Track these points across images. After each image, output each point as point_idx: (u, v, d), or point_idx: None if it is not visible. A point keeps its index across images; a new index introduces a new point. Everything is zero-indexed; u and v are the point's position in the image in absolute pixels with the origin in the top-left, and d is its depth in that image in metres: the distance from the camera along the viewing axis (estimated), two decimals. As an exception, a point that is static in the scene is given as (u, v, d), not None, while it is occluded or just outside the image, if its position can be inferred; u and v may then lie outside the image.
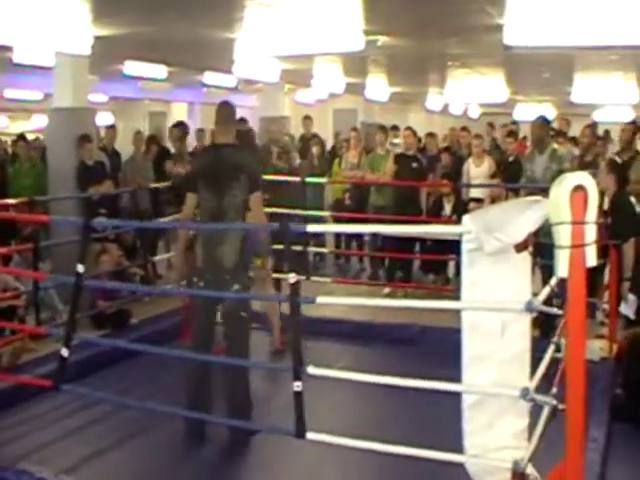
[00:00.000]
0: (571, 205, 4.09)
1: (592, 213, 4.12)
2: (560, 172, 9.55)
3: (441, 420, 5.49)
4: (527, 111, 25.02)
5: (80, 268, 6.11)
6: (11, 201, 10.00)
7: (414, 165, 12.51)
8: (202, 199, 6.83)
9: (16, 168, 12.86)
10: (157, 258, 12.20)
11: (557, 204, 4.14)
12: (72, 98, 12.04)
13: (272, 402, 7.55)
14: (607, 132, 18.30)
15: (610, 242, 8.41)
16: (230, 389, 6.85)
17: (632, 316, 8.36)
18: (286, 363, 5.49)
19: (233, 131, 7.19)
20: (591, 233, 4.13)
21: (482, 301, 4.45)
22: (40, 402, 7.44)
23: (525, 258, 4.48)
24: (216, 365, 7.00)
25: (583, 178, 4.16)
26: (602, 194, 8.35)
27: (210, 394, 6.95)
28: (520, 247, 4.35)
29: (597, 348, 8.36)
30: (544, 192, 4.95)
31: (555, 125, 16.07)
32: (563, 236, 4.12)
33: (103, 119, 20.71)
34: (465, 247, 4.43)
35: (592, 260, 4.14)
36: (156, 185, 12.24)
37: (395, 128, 15.79)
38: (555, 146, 10.44)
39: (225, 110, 7.20)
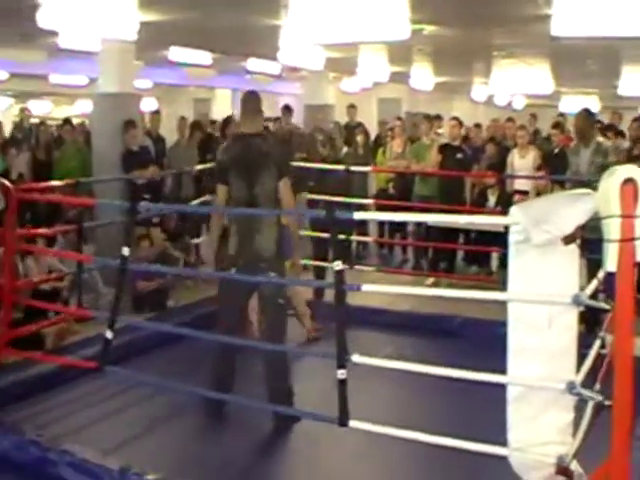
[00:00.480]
0: (621, 198, 4.05)
1: (643, 206, 4.08)
2: (605, 165, 9.49)
3: (484, 412, 5.45)
4: (572, 103, 24.84)
5: (125, 251, 6.15)
6: (56, 183, 10.07)
7: (459, 156, 12.43)
8: (233, 190, 6.83)
9: (62, 152, 12.93)
10: (200, 239, 12.19)
11: (607, 197, 4.10)
12: (117, 83, 12.10)
13: (312, 390, 7.55)
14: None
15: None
16: (272, 377, 6.87)
17: None
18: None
19: (260, 121, 7.16)
20: (641, 227, 4.09)
21: (529, 293, 4.42)
22: (84, 383, 7.50)
23: (573, 251, 4.44)
24: (255, 351, 7.07)
25: (633, 171, 4.12)
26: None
27: (234, 378, 7.06)
28: (568, 239, 4.31)
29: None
30: (589, 185, 4.91)
31: (606, 119, 15.95)
32: (612, 229, 4.09)
33: (147, 105, 20.81)
34: (513, 238, 4.40)
35: (642, 255, 4.10)
36: (200, 167, 12.22)
37: (438, 118, 15.72)
38: (600, 139, 10.36)
39: (252, 100, 7.14)
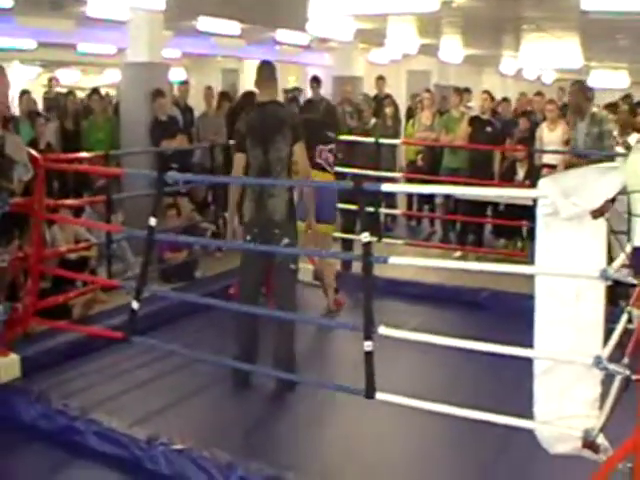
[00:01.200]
0: (650, 172, 4.03)
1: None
2: (601, 134, 9.49)
3: (511, 386, 5.46)
4: (602, 78, 24.66)
5: (153, 221, 6.17)
6: (85, 155, 10.10)
7: (488, 129, 12.42)
8: (250, 157, 6.90)
9: (90, 121, 12.94)
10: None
11: (635, 171, 4.08)
12: (146, 53, 12.11)
13: (340, 361, 7.57)
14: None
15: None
16: (279, 339, 6.96)
17: None
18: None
19: (275, 88, 7.27)
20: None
21: (557, 267, 4.41)
22: (111, 353, 7.53)
23: (601, 225, 4.41)
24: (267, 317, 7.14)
25: (662, 145, 4.09)
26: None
27: (257, 346, 7.11)
28: (597, 213, 4.28)
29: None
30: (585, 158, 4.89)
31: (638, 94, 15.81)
32: (640, 204, 4.07)
33: (176, 75, 20.82)
34: (541, 212, 4.39)
35: (671, 230, 4.08)
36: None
37: (467, 91, 15.62)
38: (594, 110, 10.33)
39: (267, 69, 7.28)
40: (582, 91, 10.06)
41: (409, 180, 12.94)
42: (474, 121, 12.54)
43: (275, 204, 6.81)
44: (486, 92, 13.15)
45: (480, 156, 12.31)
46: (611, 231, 4.39)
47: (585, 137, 9.72)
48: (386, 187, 5.75)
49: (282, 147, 6.86)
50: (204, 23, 16.77)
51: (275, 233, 6.80)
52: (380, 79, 17.36)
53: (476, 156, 12.34)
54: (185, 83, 14.95)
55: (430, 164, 13.58)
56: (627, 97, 14.22)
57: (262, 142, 6.84)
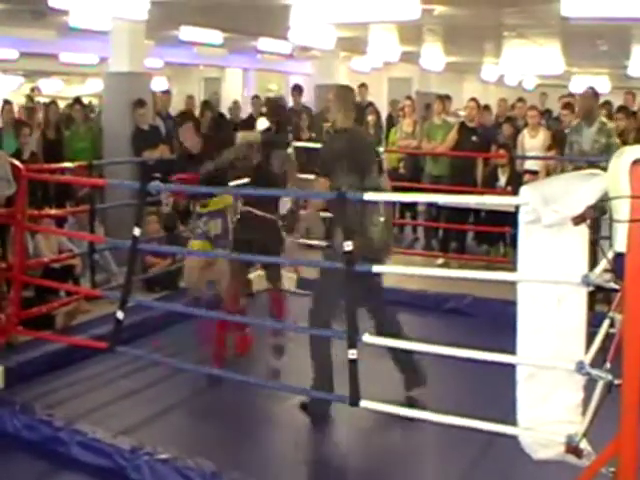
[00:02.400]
0: (630, 179, 4.05)
1: (652, 187, 4.08)
2: (608, 145, 9.51)
3: (494, 392, 5.47)
4: (583, 83, 24.75)
5: (137, 231, 6.18)
6: (69, 165, 10.10)
7: (474, 138, 12.44)
8: (342, 183, 6.37)
9: (72, 131, 12.92)
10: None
11: (616, 177, 4.10)
12: (128, 63, 12.12)
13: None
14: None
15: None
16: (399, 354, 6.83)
17: None
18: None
19: (353, 115, 7.09)
20: (651, 207, 4.09)
21: (539, 273, 4.43)
22: (95, 363, 7.54)
23: (582, 231, 4.44)
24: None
25: (642, 152, 4.12)
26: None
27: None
28: (578, 220, 4.31)
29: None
30: (597, 166, 4.92)
31: (617, 100, 15.86)
32: (622, 210, 4.09)
33: (158, 84, 20.80)
34: (522, 219, 4.41)
35: (651, 235, 4.11)
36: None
37: (448, 98, 15.64)
38: (603, 119, 10.36)
39: (351, 94, 7.23)
40: (593, 97, 10.09)
41: (391, 187, 12.95)
42: (462, 129, 12.55)
43: (375, 232, 6.62)
44: (473, 100, 13.17)
45: (462, 163, 12.34)
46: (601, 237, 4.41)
47: (592, 145, 9.76)
48: (369, 196, 5.75)
49: (376, 177, 6.78)
50: (186, 32, 16.78)
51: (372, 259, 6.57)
52: (362, 87, 17.37)
53: (458, 163, 12.37)
54: (167, 92, 14.92)
55: (412, 171, 13.61)
56: (606, 104, 14.26)
57: (359, 170, 6.64)
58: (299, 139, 11.88)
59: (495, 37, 18.60)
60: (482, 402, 6.11)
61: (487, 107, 15.18)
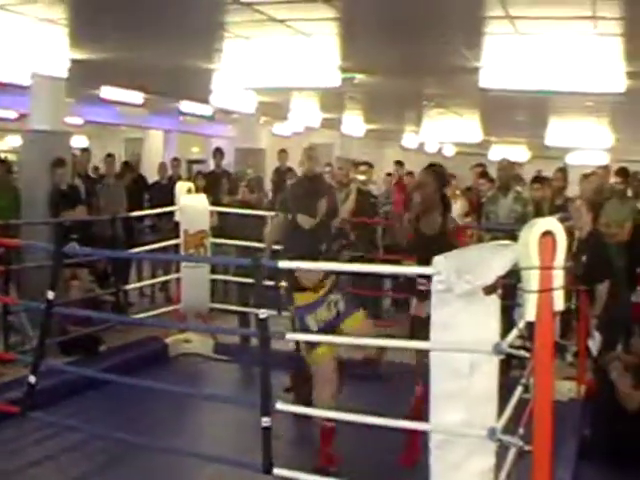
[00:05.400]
0: (540, 250, 4.15)
1: (560, 258, 4.19)
2: (524, 215, 9.72)
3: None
4: (501, 152, 25.26)
5: (50, 295, 6.11)
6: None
7: (372, 200, 12.64)
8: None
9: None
10: (129, 287, 12.21)
11: (526, 248, 4.20)
12: (48, 121, 12.05)
13: (237, 435, 7.52)
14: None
15: (580, 287, 8.49)
16: None
17: (595, 352, 8.51)
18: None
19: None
20: (559, 278, 4.19)
21: (451, 342, 4.48)
22: (5, 428, 7.35)
23: (494, 300, 4.52)
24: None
25: (552, 224, 4.23)
26: (571, 235, 8.46)
27: None
28: (489, 290, 4.38)
29: (566, 389, 8.45)
30: (510, 236, 5.03)
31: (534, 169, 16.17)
32: (532, 280, 4.18)
33: (78, 142, 20.68)
34: (435, 288, 4.46)
35: (560, 304, 4.21)
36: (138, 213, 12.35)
37: (366, 164, 15.82)
38: (519, 189, 10.61)
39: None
40: (509, 167, 10.32)
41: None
42: (359, 194, 12.64)
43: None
44: (366, 163, 13.40)
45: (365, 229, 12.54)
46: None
47: (509, 214, 9.95)
48: (283, 264, 5.81)
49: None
50: (107, 91, 16.74)
51: None
52: (282, 152, 17.46)
53: (370, 229, 12.57)
54: (86, 151, 14.82)
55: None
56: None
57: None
58: (219, 204, 11.90)
59: (415, 106, 18.93)
60: (397, 470, 6.12)
61: (411, 173, 15.38)
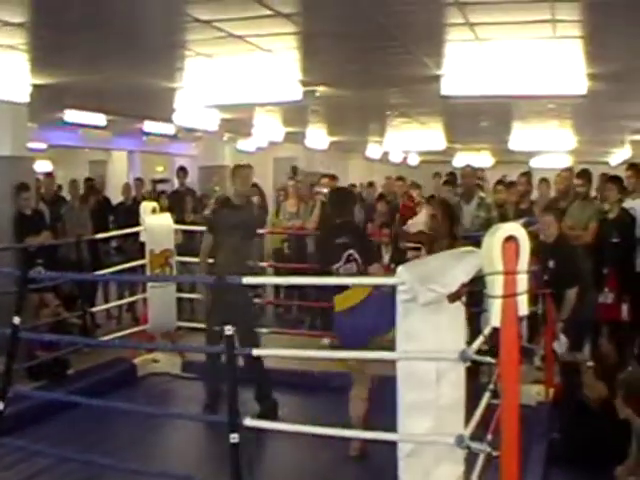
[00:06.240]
0: (503, 256, 4.17)
1: (524, 263, 4.20)
2: (488, 220, 9.76)
3: (381, 469, 5.48)
4: (466, 159, 25.38)
5: (16, 320, 6.07)
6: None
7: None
8: None
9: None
10: (95, 309, 12.16)
11: (489, 255, 4.22)
12: (10, 146, 11.94)
13: (208, 452, 7.48)
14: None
15: (545, 291, 8.53)
16: None
17: (560, 355, 8.56)
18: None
19: None
20: (523, 283, 4.20)
21: (417, 351, 4.48)
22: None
23: (459, 308, 4.53)
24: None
25: (515, 229, 4.25)
26: (536, 238, 8.49)
27: None
28: (453, 298, 4.39)
29: (534, 393, 8.46)
30: (474, 243, 5.05)
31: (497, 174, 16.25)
32: (496, 286, 4.20)
33: (41, 167, 20.57)
34: (400, 298, 4.47)
35: (524, 309, 4.22)
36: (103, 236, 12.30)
37: (331, 177, 15.84)
38: (482, 194, 10.65)
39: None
40: (473, 174, 10.37)
41: (276, 268, 12.99)
42: (324, 206, 12.58)
43: None
44: (331, 176, 13.36)
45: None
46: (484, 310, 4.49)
47: (473, 219, 9.99)
48: (247, 280, 5.80)
49: None
50: (70, 115, 16.66)
51: None
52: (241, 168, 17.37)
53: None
54: (49, 175, 14.76)
55: (296, 251, 13.64)
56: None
57: None
58: (183, 222, 11.88)
59: (378, 116, 18.96)
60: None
61: (371, 184, 15.40)
